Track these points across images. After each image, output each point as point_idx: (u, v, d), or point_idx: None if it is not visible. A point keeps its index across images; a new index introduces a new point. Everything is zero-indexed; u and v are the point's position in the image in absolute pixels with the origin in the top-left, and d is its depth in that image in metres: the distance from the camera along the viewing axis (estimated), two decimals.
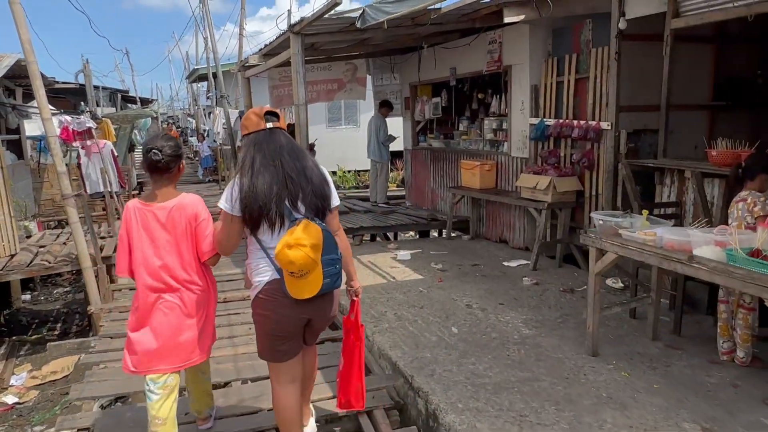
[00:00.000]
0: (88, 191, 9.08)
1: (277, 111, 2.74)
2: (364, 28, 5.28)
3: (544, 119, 6.83)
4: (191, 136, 30.39)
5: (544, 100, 6.92)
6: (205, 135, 16.01)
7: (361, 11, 5.57)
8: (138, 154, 19.46)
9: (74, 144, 8.43)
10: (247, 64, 7.99)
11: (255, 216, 2.52)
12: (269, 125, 2.63)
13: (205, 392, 3.25)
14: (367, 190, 14.52)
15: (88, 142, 8.45)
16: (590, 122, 6.19)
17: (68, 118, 8.01)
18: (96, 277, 7.08)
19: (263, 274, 2.63)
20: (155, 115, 16.17)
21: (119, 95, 17.29)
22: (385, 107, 9.91)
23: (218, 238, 2.76)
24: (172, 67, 32.75)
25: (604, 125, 6.00)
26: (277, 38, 6.79)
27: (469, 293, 5.58)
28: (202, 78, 19.50)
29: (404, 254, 7.21)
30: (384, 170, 10.06)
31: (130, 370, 2.85)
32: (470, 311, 5.06)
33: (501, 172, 7.69)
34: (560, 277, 6.08)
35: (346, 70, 9.84)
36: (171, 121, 19.52)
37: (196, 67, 17.71)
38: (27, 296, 10.20)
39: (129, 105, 19.99)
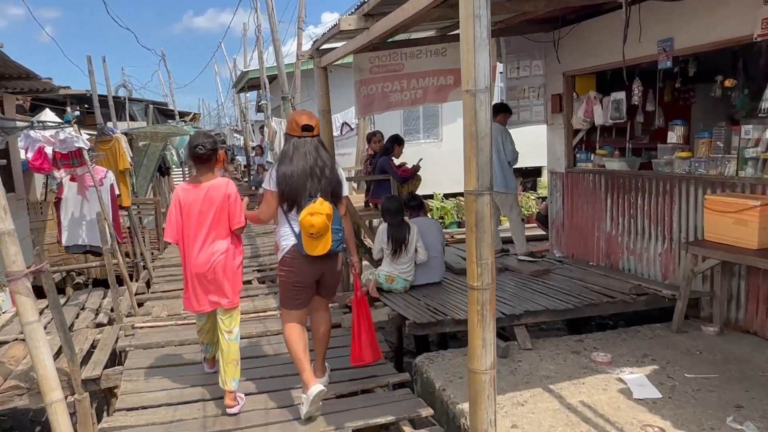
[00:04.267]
0: (64, 242, 6.00)
1: (312, 124, 3.52)
2: None
3: None
4: (238, 154, 27.64)
5: None
6: (264, 148, 12.63)
7: None
8: (176, 178, 16.63)
9: (57, 174, 5.36)
10: (338, 33, 4.67)
11: (291, 202, 3.44)
12: (305, 134, 3.50)
13: (234, 359, 3.66)
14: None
15: (78, 171, 5.37)
16: None
17: (44, 133, 4.95)
18: (72, 414, 4.05)
19: (288, 240, 3.49)
20: (192, 133, 13.16)
21: (150, 107, 14.35)
22: (502, 113, 6.60)
23: (261, 209, 3.61)
24: (218, 79, 30.10)
25: None
26: None
27: None
28: (253, 87, 16.58)
29: (637, 380, 3.78)
30: (515, 205, 6.69)
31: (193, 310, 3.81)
32: None
33: None
34: None
35: None
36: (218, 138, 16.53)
37: (245, 70, 14.66)
38: None
39: (169, 120, 17.29)
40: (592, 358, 4.16)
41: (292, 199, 3.41)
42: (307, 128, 3.48)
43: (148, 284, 7.35)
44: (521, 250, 6.56)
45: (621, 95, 5.89)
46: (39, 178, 9.90)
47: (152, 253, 9.77)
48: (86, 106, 15.62)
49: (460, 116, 11.17)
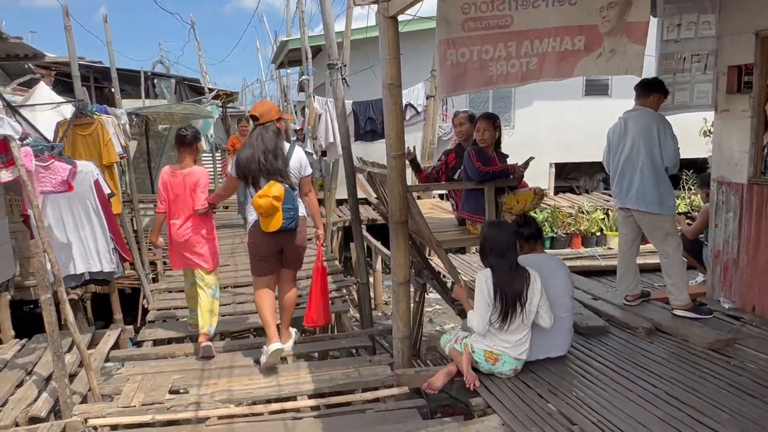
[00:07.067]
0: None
1: (257, 114, 4.08)
2: None
3: None
4: None
5: None
6: (305, 133, 10.30)
7: None
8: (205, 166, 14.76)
9: None
10: None
11: (249, 182, 4.01)
12: (255, 123, 4.08)
13: (208, 309, 4.52)
14: (573, 251, 7.77)
15: (2, 175, 3.44)
16: None
17: None
18: None
19: (252, 215, 4.05)
20: (216, 116, 11.00)
21: (172, 82, 12.41)
22: (656, 93, 4.43)
23: (221, 189, 4.65)
24: (259, 56, 27.58)
25: None
26: None
27: None
28: (294, 62, 14.56)
29: None
30: (672, 232, 4.44)
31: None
32: None
33: None
34: None
35: (607, 6, 4.33)
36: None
37: (285, 39, 12.46)
38: None
39: (203, 99, 15.44)
40: None
41: (249, 180, 3.99)
42: (251, 118, 4.11)
43: (142, 317, 5.47)
44: (680, 301, 4.36)
45: None
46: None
47: (164, 263, 7.95)
48: (105, 81, 13.75)
49: (536, 98, 8.29)
